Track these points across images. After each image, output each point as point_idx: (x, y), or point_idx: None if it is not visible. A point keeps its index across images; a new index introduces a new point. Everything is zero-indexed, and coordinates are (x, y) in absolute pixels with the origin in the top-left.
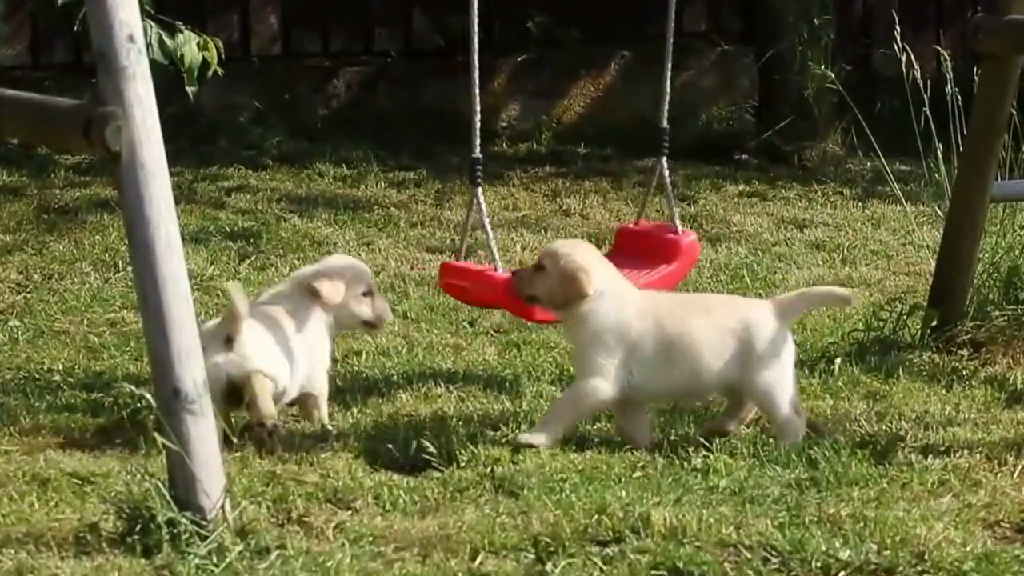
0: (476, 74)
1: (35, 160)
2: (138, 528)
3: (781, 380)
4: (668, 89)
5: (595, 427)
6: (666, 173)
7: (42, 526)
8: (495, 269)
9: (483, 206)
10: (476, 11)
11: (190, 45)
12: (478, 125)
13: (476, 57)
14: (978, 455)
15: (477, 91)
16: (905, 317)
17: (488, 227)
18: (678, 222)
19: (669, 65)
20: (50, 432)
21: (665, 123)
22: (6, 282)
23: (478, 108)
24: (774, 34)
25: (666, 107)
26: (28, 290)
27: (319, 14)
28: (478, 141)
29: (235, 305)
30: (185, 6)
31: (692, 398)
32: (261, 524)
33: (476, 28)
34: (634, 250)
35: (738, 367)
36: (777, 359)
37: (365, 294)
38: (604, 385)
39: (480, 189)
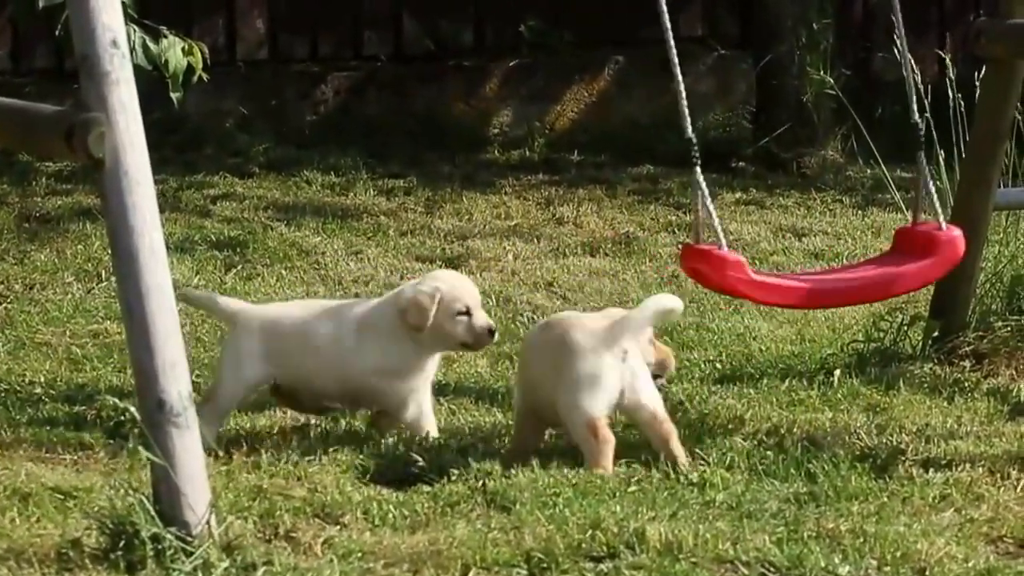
0: (675, 56)
1: (16, 167)
2: (122, 544)
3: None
4: (913, 84)
5: None
6: (925, 170)
7: (23, 542)
8: (720, 248)
9: (703, 186)
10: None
11: (175, 50)
12: (686, 107)
13: (672, 39)
14: (980, 469)
15: (679, 74)
16: (906, 328)
17: (711, 207)
18: (941, 219)
19: (909, 66)
20: (31, 446)
21: (917, 118)
22: None
23: (683, 91)
24: (772, 38)
25: (915, 103)
26: (9, 300)
27: (307, 18)
28: (689, 122)
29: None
30: (169, 10)
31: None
32: (248, 540)
33: (666, 16)
34: (905, 248)
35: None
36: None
37: (461, 314)
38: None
39: (699, 169)
